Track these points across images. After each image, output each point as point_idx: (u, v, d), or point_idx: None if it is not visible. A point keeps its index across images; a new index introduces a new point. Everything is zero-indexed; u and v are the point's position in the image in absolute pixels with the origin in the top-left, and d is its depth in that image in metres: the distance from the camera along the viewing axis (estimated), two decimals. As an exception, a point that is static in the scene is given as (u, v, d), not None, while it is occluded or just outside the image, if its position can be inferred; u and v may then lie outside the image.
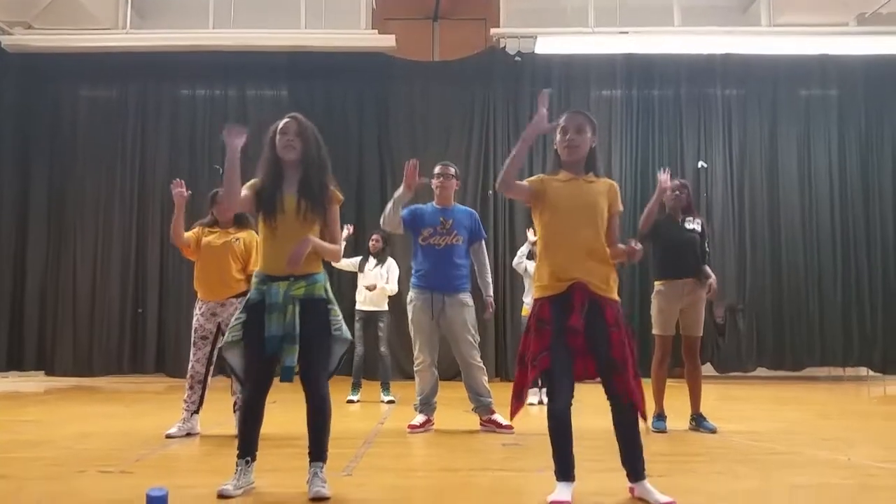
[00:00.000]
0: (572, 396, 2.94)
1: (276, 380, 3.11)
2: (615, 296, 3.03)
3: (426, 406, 5.03)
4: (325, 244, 3.21)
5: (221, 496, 2.96)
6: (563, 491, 2.90)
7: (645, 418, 3.04)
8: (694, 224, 5.12)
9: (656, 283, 5.11)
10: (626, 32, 9.26)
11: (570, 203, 3.04)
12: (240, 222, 4.80)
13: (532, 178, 3.15)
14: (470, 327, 4.98)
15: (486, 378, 5.06)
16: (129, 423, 5.30)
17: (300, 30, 9.31)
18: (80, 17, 9.53)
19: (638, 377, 2.97)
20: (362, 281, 6.93)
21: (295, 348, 3.03)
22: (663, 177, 4.92)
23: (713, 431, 4.83)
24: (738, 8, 10.40)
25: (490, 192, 9.69)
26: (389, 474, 3.62)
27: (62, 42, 9.34)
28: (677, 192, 5.08)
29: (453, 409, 5.49)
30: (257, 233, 4.68)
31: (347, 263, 6.88)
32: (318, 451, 3.10)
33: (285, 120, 3.21)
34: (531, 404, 6.64)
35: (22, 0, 9.39)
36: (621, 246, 3.08)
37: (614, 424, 3.02)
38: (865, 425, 5.60)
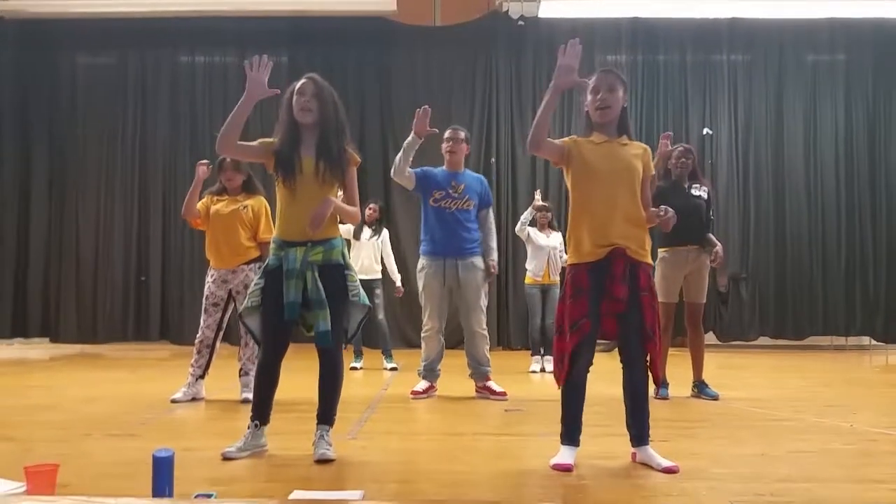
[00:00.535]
0: (591, 363, 2.94)
1: (293, 345, 3.12)
2: (649, 259, 3.01)
3: (430, 372, 5.04)
4: (345, 206, 3.19)
5: (226, 458, 2.99)
6: (566, 454, 2.92)
7: (659, 385, 3.06)
8: (700, 191, 5.07)
9: (660, 249, 5.09)
10: (632, -4, 9.15)
11: (607, 166, 2.96)
12: (248, 189, 4.78)
13: (564, 138, 3.06)
14: (482, 293, 4.96)
15: (489, 347, 5.06)
16: (134, 389, 5.34)
17: (301, -6, 9.20)
18: (78, -19, 9.41)
19: (660, 342, 2.98)
20: (356, 249, 6.89)
21: (326, 312, 3.02)
22: (664, 141, 4.88)
23: (715, 398, 4.85)
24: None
25: (492, 159, 9.64)
26: (393, 438, 3.65)
27: (60, 8, 9.28)
28: (683, 159, 5.03)
29: (456, 375, 5.51)
30: (266, 199, 4.69)
31: (343, 230, 6.82)
32: (326, 414, 3.12)
33: (302, 80, 3.15)
34: (532, 372, 6.68)
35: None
36: (653, 210, 3.02)
37: (625, 388, 3.02)
38: (868, 393, 5.61)
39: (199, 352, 4.69)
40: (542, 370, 6.71)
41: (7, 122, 9.77)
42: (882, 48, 9.90)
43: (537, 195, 7.18)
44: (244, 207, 4.70)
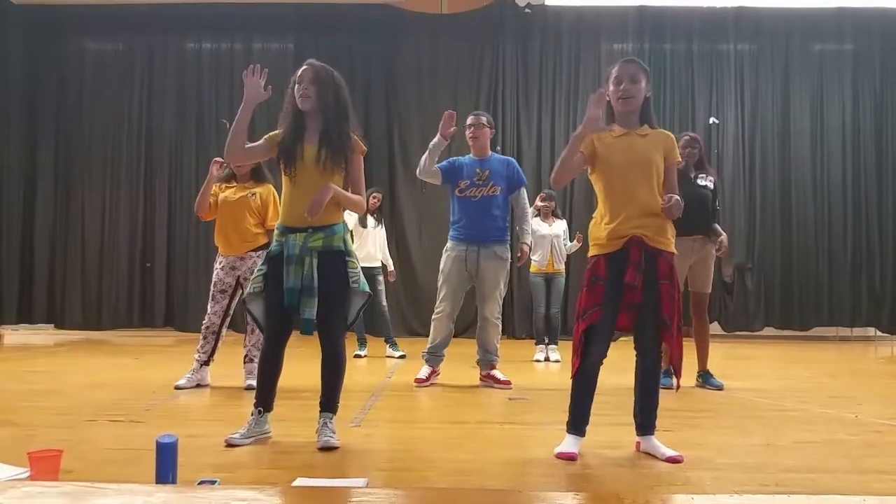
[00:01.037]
0: (605, 355, 2.93)
1: (297, 332, 3.11)
2: (671, 248, 2.97)
3: (433, 356, 5.03)
4: (349, 194, 3.17)
5: (230, 445, 3.00)
6: (570, 443, 2.92)
7: (677, 376, 3.04)
8: (706, 181, 5.04)
9: (666, 239, 5.06)
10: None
11: (624, 159, 2.94)
12: (257, 177, 4.77)
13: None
14: (500, 282, 4.94)
15: (499, 337, 5.05)
16: (139, 375, 5.35)
17: (307, -19, 9.16)
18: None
19: (681, 334, 2.95)
20: (361, 238, 6.86)
21: (314, 301, 3.01)
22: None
23: (720, 388, 4.84)
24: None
25: (498, 147, 9.59)
26: (397, 426, 3.65)
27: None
28: (689, 148, 5.00)
29: (461, 364, 5.51)
30: (274, 187, 4.68)
31: (350, 222, 6.79)
32: (329, 402, 3.12)
33: (302, 68, 3.14)
34: (537, 361, 6.68)
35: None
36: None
37: (637, 378, 3.02)
38: (873, 384, 5.60)
39: (204, 338, 4.69)
40: (547, 359, 6.71)
41: (14, 108, 9.75)
42: (889, 38, 9.81)
43: (538, 200, 7.11)
44: (252, 194, 4.69)
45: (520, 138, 9.78)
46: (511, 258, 5.08)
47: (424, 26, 9.84)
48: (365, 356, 6.80)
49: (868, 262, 9.74)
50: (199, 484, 2.27)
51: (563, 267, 6.95)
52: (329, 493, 2.13)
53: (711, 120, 9.77)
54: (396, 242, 9.19)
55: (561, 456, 2.86)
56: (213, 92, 9.85)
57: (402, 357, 6.73)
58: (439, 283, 5.02)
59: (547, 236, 6.84)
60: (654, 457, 2.89)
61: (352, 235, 6.65)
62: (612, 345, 2.96)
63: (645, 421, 2.99)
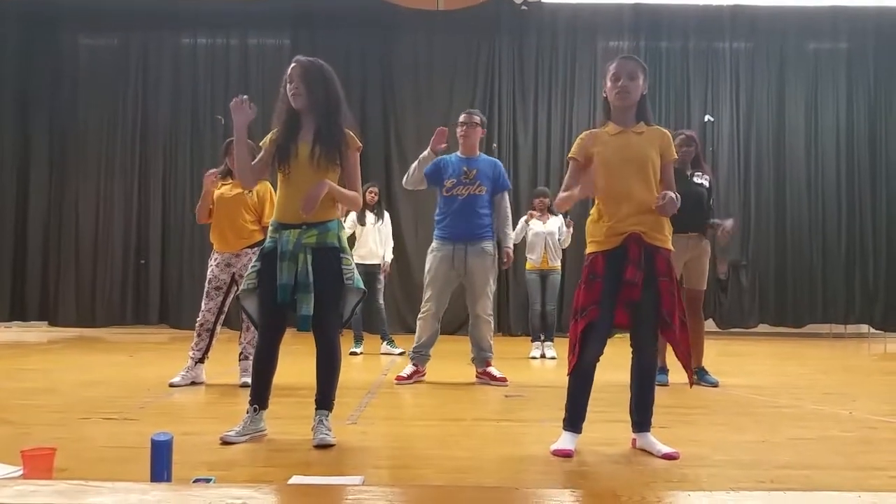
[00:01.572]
0: (602, 353, 2.93)
1: (293, 329, 3.10)
2: (669, 245, 2.98)
3: (419, 355, 5.01)
4: (344, 190, 3.15)
5: (225, 442, 2.99)
6: (567, 440, 2.91)
7: (690, 373, 3.05)
8: (702, 179, 5.05)
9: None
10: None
11: (620, 157, 2.95)
12: None
13: (575, 148, 3.05)
14: (490, 279, 4.95)
15: (492, 333, 5.05)
16: (133, 372, 5.33)
17: (303, -23, 9.14)
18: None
19: (685, 329, 2.95)
20: (361, 235, 6.85)
21: (310, 297, 3.00)
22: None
23: (715, 385, 4.85)
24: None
25: (495, 145, 9.60)
26: (393, 423, 3.65)
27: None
28: (685, 147, 5.00)
29: (454, 361, 5.51)
30: (271, 184, 4.66)
31: (348, 221, 6.75)
32: (324, 399, 3.11)
33: (291, 66, 3.12)
34: (533, 358, 6.68)
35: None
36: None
37: (633, 375, 3.02)
38: (866, 381, 5.62)
39: (199, 335, 4.68)
40: (543, 356, 6.71)
41: (7, 102, 9.71)
42: (884, 36, 9.83)
43: (525, 217, 7.10)
44: (249, 191, 4.67)
45: (516, 135, 9.78)
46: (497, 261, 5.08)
47: (421, 23, 9.82)
48: (361, 353, 6.79)
49: (862, 259, 9.77)
50: (194, 482, 2.26)
51: (558, 264, 6.95)
52: (325, 491, 2.12)
53: (707, 118, 9.78)
54: (393, 238, 9.17)
55: (557, 453, 2.86)
56: (209, 88, 9.82)
57: (400, 354, 6.72)
58: (425, 283, 5.02)
59: (541, 234, 6.84)
60: (651, 454, 2.89)
61: (354, 236, 6.66)
62: (608, 341, 2.95)
63: (641, 418, 2.99)
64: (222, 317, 4.75)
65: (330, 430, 3.03)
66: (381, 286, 6.89)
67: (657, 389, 3.06)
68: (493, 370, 4.96)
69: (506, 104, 9.79)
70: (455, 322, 8.38)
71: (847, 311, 9.73)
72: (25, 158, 9.73)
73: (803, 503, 2.04)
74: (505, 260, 5.14)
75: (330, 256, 3.09)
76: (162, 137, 9.79)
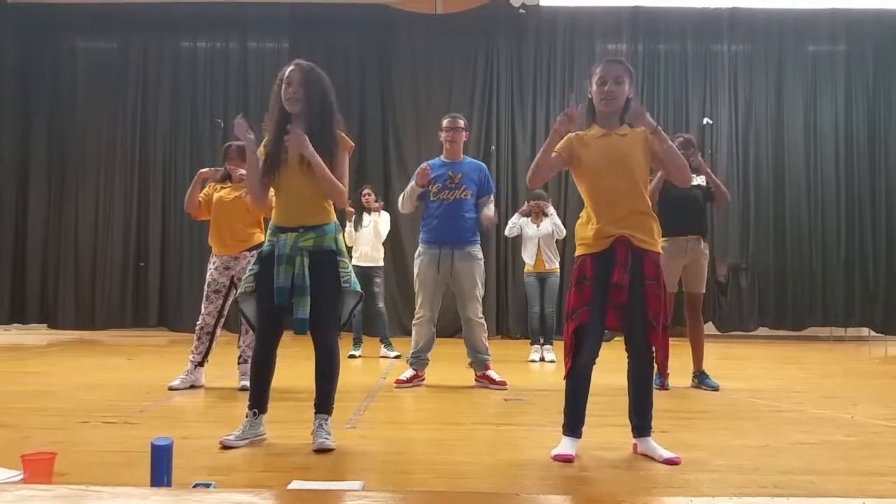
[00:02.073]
0: (597, 355, 2.92)
1: (291, 333, 3.09)
2: (657, 248, 2.98)
3: (417, 360, 5.01)
4: (327, 171, 3.06)
5: (225, 447, 2.98)
6: (567, 445, 2.91)
7: (663, 375, 3.04)
8: (698, 180, 5.05)
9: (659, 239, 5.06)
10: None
11: (607, 159, 2.95)
12: None
13: (562, 143, 3.03)
14: (478, 282, 4.95)
15: (486, 335, 5.05)
16: (132, 376, 5.31)
17: (301, -20, 9.14)
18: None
19: (666, 334, 2.95)
20: (358, 239, 6.83)
21: (307, 300, 3.00)
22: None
23: (715, 389, 4.84)
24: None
25: (493, 147, 9.60)
26: (393, 427, 3.64)
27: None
28: (683, 150, 4.98)
29: (456, 365, 5.50)
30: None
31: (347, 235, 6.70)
32: (323, 403, 3.10)
33: (289, 68, 3.12)
34: (532, 361, 6.67)
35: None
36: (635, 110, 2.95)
37: (629, 378, 3.01)
38: (867, 384, 5.60)
39: (199, 338, 4.67)
40: (542, 359, 6.70)
41: (7, 106, 9.70)
42: (882, 39, 9.83)
43: (519, 214, 7.07)
44: (247, 194, 4.66)
45: (514, 138, 9.77)
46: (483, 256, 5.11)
47: (419, 26, 9.82)
48: (359, 356, 6.78)
49: (861, 262, 9.76)
50: (194, 487, 2.25)
51: (556, 266, 6.93)
52: (325, 496, 2.12)
53: (705, 120, 9.78)
54: (391, 241, 9.16)
55: (558, 458, 2.85)
56: (208, 91, 9.82)
57: (396, 357, 6.70)
58: (416, 289, 5.03)
59: (534, 237, 6.83)
60: (652, 459, 2.88)
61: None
62: (605, 344, 2.95)
63: (641, 422, 2.98)
64: (222, 320, 4.75)
65: (329, 435, 3.02)
66: (378, 289, 6.87)
67: (657, 393, 3.05)
68: (492, 374, 4.96)
69: (504, 107, 9.79)
70: (454, 325, 8.34)
71: (847, 314, 9.71)
72: (25, 161, 9.73)
73: (806, 509, 2.04)
74: (485, 222, 5.03)
75: (327, 260, 3.09)
76: (161, 141, 9.78)
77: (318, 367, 3.12)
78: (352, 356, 6.69)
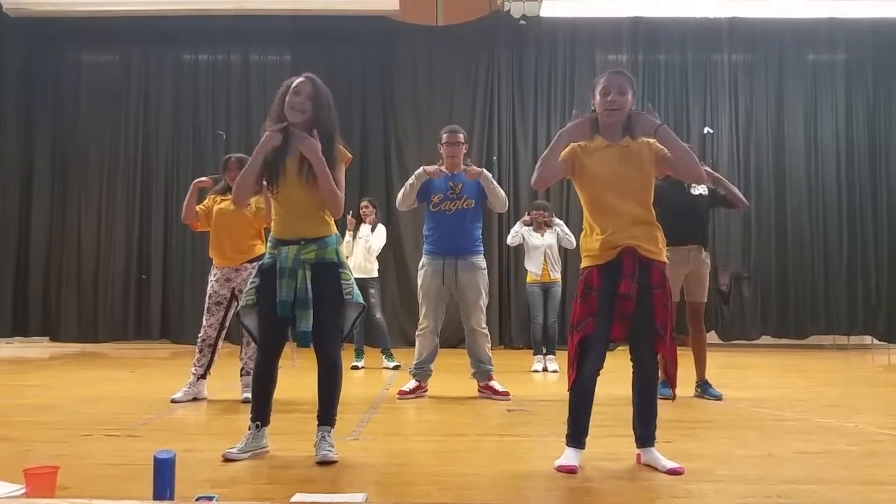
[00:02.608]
0: (602, 366, 2.92)
1: (293, 345, 3.09)
2: (663, 257, 2.98)
3: (420, 371, 5.01)
4: (331, 179, 3.05)
5: (227, 459, 2.97)
6: (571, 456, 2.90)
7: (672, 385, 3.03)
8: (700, 189, 5.05)
9: (661, 248, 5.06)
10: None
11: (611, 171, 2.94)
12: None
13: (566, 152, 3.04)
14: (482, 292, 4.95)
15: (490, 345, 5.05)
16: (135, 388, 5.31)
17: (303, -7, 9.18)
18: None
19: (674, 343, 2.95)
20: (351, 248, 6.82)
21: (309, 313, 3.00)
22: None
23: (719, 398, 4.82)
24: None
25: (494, 158, 9.62)
26: (395, 439, 3.63)
27: (64, 6, 9.22)
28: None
29: (459, 375, 5.49)
30: (268, 196, 4.66)
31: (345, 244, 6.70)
32: (326, 415, 3.10)
33: (300, 79, 3.12)
34: (535, 371, 6.66)
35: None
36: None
37: (634, 388, 3.01)
38: (870, 393, 5.59)
39: (200, 351, 4.67)
40: (545, 369, 6.69)
41: (10, 119, 9.74)
42: (882, 48, 9.85)
43: (522, 221, 7.08)
44: (248, 205, 4.67)
45: (516, 149, 9.80)
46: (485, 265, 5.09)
47: (420, 37, 9.87)
48: (362, 367, 6.77)
49: (864, 270, 9.75)
50: (196, 500, 2.24)
51: (559, 276, 6.94)
52: (329, 509, 2.11)
53: (706, 130, 9.80)
54: (393, 251, 9.17)
55: (561, 469, 2.85)
56: (210, 104, 9.85)
57: (396, 367, 6.70)
58: (420, 300, 5.04)
59: (540, 247, 6.83)
60: (655, 469, 2.87)
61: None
62: (608, 354, 2.94)
63: (644, 432, 2.97)
64: (224, 332, 4.75)
65: (332, 447, 3.02)
66: (374, 300, 6.85)
67: (660, 403, 3.05)
68: (495, 384, 4.95)
69: (505, 118, 9.82)
70: (457, 335, 8.34)
71: (850, 323, 9.69)
72: (28, 173, 9.75)
73: (810, 519, 2.03)
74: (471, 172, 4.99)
75: (329, 272, 3.09)
76: (164, 153, 9.81)
77: (321, 378, 3.12)
78: (354, 367, 6.69)
